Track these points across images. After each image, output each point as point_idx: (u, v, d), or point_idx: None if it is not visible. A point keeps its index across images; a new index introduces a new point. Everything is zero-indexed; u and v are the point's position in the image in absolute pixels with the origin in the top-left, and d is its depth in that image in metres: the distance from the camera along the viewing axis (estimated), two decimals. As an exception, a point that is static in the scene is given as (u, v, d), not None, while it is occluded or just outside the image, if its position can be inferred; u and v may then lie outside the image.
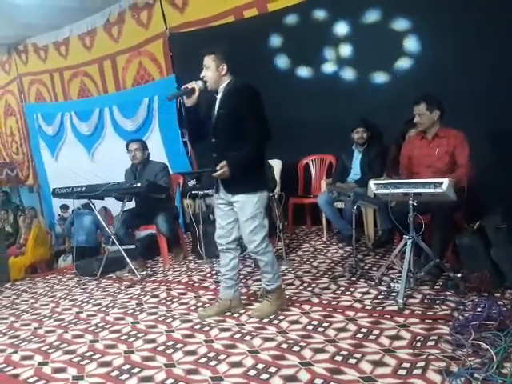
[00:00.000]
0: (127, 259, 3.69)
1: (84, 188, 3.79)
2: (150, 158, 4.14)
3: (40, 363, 2.30)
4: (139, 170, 4.04)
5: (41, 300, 3.45)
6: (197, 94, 2.48)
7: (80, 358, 2.30)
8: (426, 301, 2.59)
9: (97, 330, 2.66)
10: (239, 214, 2.54)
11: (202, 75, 2.50)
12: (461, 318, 2.18)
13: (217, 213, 2.69)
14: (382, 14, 4.08)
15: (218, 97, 2.55)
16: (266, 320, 2.53)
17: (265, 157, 2.63)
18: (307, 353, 2.11)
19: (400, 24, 4.01)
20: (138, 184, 3.61)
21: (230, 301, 2.71)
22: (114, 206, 4.81)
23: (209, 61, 2.49)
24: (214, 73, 2.49)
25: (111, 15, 6.00)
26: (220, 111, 2.51)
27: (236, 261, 2.69)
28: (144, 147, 4.08)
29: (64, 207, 6.38)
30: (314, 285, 3.06)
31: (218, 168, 2.43)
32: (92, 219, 4.82)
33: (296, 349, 2.16)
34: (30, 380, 2.14)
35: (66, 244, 5.91)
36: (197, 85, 2.48)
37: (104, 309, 3.05)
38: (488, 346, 1.86)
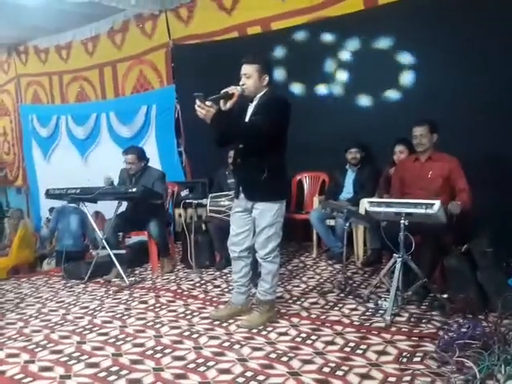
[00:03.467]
0: (117, 264, 3.68)
1: (78, 190, 3.79)
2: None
3: (26, 361, 2.28)
4: (137, 176, 4.01)
5: (26, 300, 3.42)
6: (235, 99, 2.48)
7: (67, 358, 2.30)
8: (412, 319, 2.64)
9: (84, 332, 2.65)
10: (257, 221, 2.58)
11: (241, 83, 2.52)
12: (446, 336, 2.23)
13: (232, 219, 2.73)
14: (390, 41, 4.14)
15: (253, 104, 2.59)
16: (254, 330, 2.55)
17: (287, 167, 2.64)
18: (295, 363, 2.14)
19: (401, 55, 4.09)
20: (134, 189, 3.62)
21: (241, 306, 2.76)
22: (103, 209, 4.82)
23: (251, 70, 2.51)
24: (255, 82, 2.52)
25: (115, 23, 6.07)
26: (251, 118, 2.55)
27: (247, 268, 2.73)
28: (140, 158, 3.97)
29: (53, 210, 6.30)
30: (302, 299, 3.09)
31: (207, 104, 2.34)
32: (78, 221, 4.72)
33: (284, 359, 2.19)
34: (16, 377, 2.12)
35: (49, 246, 5.77)
36: (237, 90, 2.48)
37: (91, 312, 3.03)
38: (472, 364, 1.92)
